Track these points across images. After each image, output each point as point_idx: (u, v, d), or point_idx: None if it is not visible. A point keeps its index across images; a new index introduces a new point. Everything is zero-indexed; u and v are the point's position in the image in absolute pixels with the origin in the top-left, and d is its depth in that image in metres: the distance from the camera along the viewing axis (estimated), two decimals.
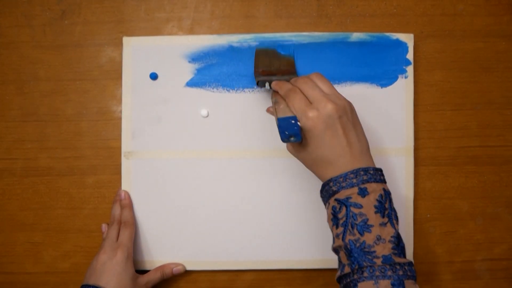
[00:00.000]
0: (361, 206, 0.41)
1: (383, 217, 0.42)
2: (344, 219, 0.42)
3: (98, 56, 0.58)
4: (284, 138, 0.44)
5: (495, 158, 0.58)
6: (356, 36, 0.56)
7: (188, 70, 0.56)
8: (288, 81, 0.49)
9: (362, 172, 0.42)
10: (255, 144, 0.56)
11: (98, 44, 0.58)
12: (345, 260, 0.42)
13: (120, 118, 0.57)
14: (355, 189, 0.42)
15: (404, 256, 0.42)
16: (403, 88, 0.57)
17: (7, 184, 0.58)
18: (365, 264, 0.40)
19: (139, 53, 0.56)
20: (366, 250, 0.40)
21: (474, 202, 0.58)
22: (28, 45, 0.58)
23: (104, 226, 0.56)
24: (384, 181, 0.44)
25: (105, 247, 0.52)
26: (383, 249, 0.40)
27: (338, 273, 0.43)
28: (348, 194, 0.42)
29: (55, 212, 0.58)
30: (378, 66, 0.56)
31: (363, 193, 0.42)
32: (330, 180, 0.43)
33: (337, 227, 0.42)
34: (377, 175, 0.43)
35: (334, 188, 0.43)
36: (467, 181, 0.58)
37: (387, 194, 0.43)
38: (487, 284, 0.59)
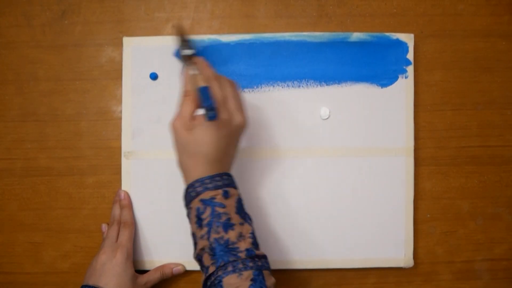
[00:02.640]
0: (224, 206, 0.44)
1: (241, 217, 0.45)
2: (208, 219, 0.44)
3: (98, 56, 0.58)
4: (206, 105, 0.45)
5: (495, 158, 0.58)
6: (356, 36, 0.56)
7: None
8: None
9: (225, 177, 0.46)
10: (255, 144, 0.56)
11: (98, 44, 0.58)
12: (208, 262, 0.44)
13: (120, 118, 0.57)
14: (220, 191, 0.45)
15: (259, 249, 0.45)
16: (403, 88, 0.57)
17: (7, 184, 0.58)
18: (230, 259, 0.42)
19: (139, 53, 0.56)
20: (230, 246, 0.43)
21: (474, 202, 0.58)
22: (28, 45, 0.58)
23: (104, 226, 0.56)
24: (237, 187, 0.47)
25: (104, 248, 0.52)
26: (245, 244, 0.44)
27: (203, 277, 0.44)
28: (213, 195, 0.45)
29: (55, 212, 0.58)
30: (378, 66, 0.56)
31: (226, 195, 0.45)
32: (197, 181, 0.45)
33: (201, 228, 0.45)
34: (233, 181, 0.47)
35: (200, 189, 0.45)
36: (467, 181, 0.58)
37: (241, 199, 0.47)
38: (487, 284, 0.59)
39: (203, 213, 0.44)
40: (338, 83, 0.56)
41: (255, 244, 0.45)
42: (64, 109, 0.58)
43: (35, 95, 0.58)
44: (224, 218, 0.44)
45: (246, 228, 0.45)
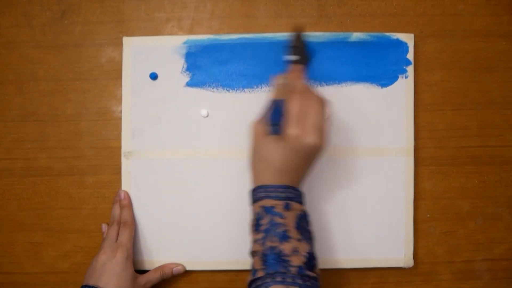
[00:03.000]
0: (283, 217, 0.44)
1: (300, 234, 0.45)
2: (266, 226, 0.44)
3: (98, 56, 0.58)
4: (270, 119, 0.46)
5: (495, 158, 0.58)
6: (356, 36, 0.56)
7: (188, 70, 0.56)
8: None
9: (290, 190, 0.46)
10: None
11: (98, 44, 0.58)
12: (258, 266, 0.44)
13: (120, 118, 0.57)
14: (281, 202, 0.45)
15: (314, 272, 0.44)
16: (403, 88, 0.57)
17: (7, 184, 0.58)
18: (280, 270, 0.42)
19: (139, 53, 0.56)
20: (282, 258, 0.43)
21: (474, 202, 0.58)
22: (28, 45, 0.58)
23: (104, 226, 0.56)
24: (304, 204, 0.47)
25: (104, 248, 0.52)
26: (298, 261, 0.43)
27: (250, 278, 0.44)
28: (274, 204, 0.45)
29: (55, 212, 0.58)
30: (378, 66, 0.56)
31: (287, 207, 0.45)
32: (261, 187, 0.46)
33: (258, 233, 0.45)
34: (300, 197, 0.47)
35: (262, 195, 0.46)
36: (467, 181, 0.58)
37: (306, 216, 0.47)
38: (487, 284, 0.59)
39: (261, 218, 0.45)
40: (338, 83, 0.56)
41: (308, 264, 0.44)
42: (64, 109, 0.58)
43: (35, 95, 0.58)
44: (281, 229, 0.44)
45: (303, 246, 0.44)
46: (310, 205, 0.56)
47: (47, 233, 0.58)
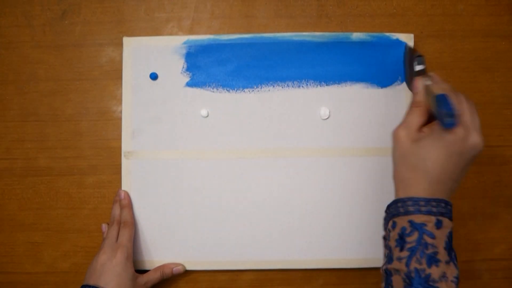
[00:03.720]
0: (434, 237, 0.40)
1: (448, 255, 0.40)
2: (413, 244, 0.40)
3: (98, 56, 0.58)
4: (445, 110, 0.40)
5: (495, 158, 0.58)
6: (356, 36, 0.56)
7: (188, 70, 0.56)
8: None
9: (442, 204, 0.41)
10: (255, 144, 0.56)
11: (98, 44, 0.58)
12: (400, 286, 0.40)
13: (120, 118, 0.57)
14: (433, 218, 0.40)
15: None
16: (403, 88, 0.57)
17: (7, 184, 0.58)
18: None
19: (139, 53, 0.56)
20: (431, 284, 0.39)
21: (474, 202, 0.58)
22: (28, 45, 0.58)
23: (104, 226, 0.56)
24: (452, 219, 0.42)
25: (105, 248, 0.52)
26: (447, 287, 0.39)
27: None
28: (425, 220, 0.40)
29: (55, 212, 0.58)
30: (378, 66, 0.56)
31: (439, 224, 0.40)
32: (410, 199, 0.41)
33: (402, 250, 0.41)
34: (451, 212, 0.42)
35: (411, 209, 0.41)
36: (467, 181, 0.58)
37: (452, 233, 0.42)
38: (487, 284, 0.59)
39: (408, 235, 0.40)
40: (338, 83, 0.57)
41: None
42: (64, 109, 0.58)
43: (35, 95, 0.58)
44: (430, 250, 0.39)
45: (451, 270, 0.40)
46: (310, 205, 0.57)
47: (47, 233, 0.58)
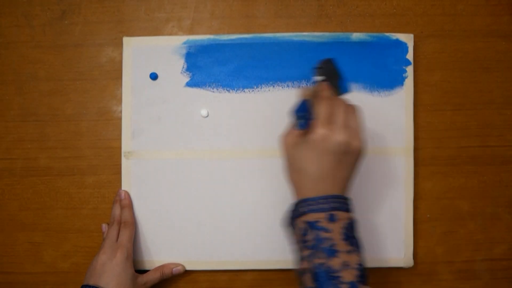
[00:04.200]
0: (329, 231, 0.42)
1: (350, 245, 0.42)
2: (312, 242, 0.43)
3: (98, 56, 0.58)
4: (296, 113, 0.45)
5: (495, 158, 0.58)
6: (356, 36, 0.56)
7: (188, 70, 0.56)
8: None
9: (332, 199, 0.44)
10: (255, 144, 0.56)
11: (98, 44, 0.58)
12: (310, 283, 0.42)
13: (120, 118, 0.57)
14: (324, 214, 0.43)
15: (366, 285, 0.43)
16: (402, 88, 0.57)
17: (7, 184, 0.58)
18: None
19: (139, 53, 0.56)
20: (332, 274, 0.41)
21: (474, 202, 0.58)
22: (28, 45, 0.58)
23: (104, 226, 0.56)
24: (351, 211, 0.45)
25: (105, 248, 0.52)
26: (350, 275, 0.41)
27: None
28: (317, 218, 0.43)
29: (55, 212, 0.58)
30: (378, 67, 0.56)
31: (332, 218, 0.43)
32: (302, 201, 0.44)
33: (305, 249, 0.43)
34: (346, 204, 0.45)
35: (304, 209, 0.44)
36: (467, 181, 0.58)
37: (353, 223, 0.44)
38: (487, 284, 0.59)
39: (306, 235, 0.43)
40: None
41: (361, 277, 0.42)
42: (64, 109, 0.58)
43: (35, 95, 0.58)
44: (327, 244, 0.42)
45: (353, 258, 0.42)
46: None
47: (47, 233, 0.58)
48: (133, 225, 0.55)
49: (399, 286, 0.58)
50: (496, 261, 0.59)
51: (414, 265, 0.57)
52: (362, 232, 0.56)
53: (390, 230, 0.57)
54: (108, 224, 0.56)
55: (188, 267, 0.57)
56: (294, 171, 0.46)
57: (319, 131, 0.43)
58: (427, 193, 0.58)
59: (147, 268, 0.56)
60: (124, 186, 0.56)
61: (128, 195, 0.56)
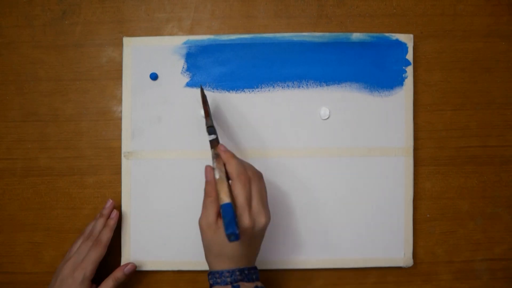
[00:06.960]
0: None
1: None
2: None
3: (98, 56, 0.58)
4: (227, 232, 0.42)
5: (495, 158, 0.58)
6: (356, 36, 0.56)
7: (188, 70, 0.56)
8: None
9: (237, 272, 0.46)
10: (255, 144, 0.57)
11: (98, 44, 0.58)
12: None
13: (120, 118, 0.57)
14: (230, 287, 0.45)
15: None
16: (402, 89, 0.57)
17: (7, 184, 0.58)
18: None
19: (139, 53, 0.56)
20: None
21: (474, 202, 0.59)
22: (28, 45, 0.58)
23: (88, 226, 0.55)
24: (257, 279, 0.47)
25: (69, 263, 0.51)
26: None
27: None
28: None
29: (55, 212, 0.58)
30: (378, 67, 0.57)
31: None
32: (210, 273, 0.47)
33: None
34: (251, 274, 0.47)
35: (211, 282, 0.46)
36: (467, 181, 0.58)
37: None
38: (487, 284, 0.59)
39: None
40: (338, 83, 0.57)
41: None
42: (65, 109, 0.58)
43: (35, 95, 0.58)
44: None
45: None
46: (310, 205, 0.57)
47: (47, 233, 0.58)
48: (106, 248, 0.53)
49: (399, 286, 0.58)
50: (495, 261, 0.59)
51: (414, 265, 0.57)
52: (362, 232, 0.57)
53: (390, 230, 0.57)
54: (99, 218, 0.55)
55: (188, 267, 0.57)
56: (212, 255, 0.47)
57: (245, 224, 0.44)
58: (427, 193, 0.58)
59: (147, 269, 0.56)
60: (124, 186, 0.56)
61: (117, 216, 0.55)
